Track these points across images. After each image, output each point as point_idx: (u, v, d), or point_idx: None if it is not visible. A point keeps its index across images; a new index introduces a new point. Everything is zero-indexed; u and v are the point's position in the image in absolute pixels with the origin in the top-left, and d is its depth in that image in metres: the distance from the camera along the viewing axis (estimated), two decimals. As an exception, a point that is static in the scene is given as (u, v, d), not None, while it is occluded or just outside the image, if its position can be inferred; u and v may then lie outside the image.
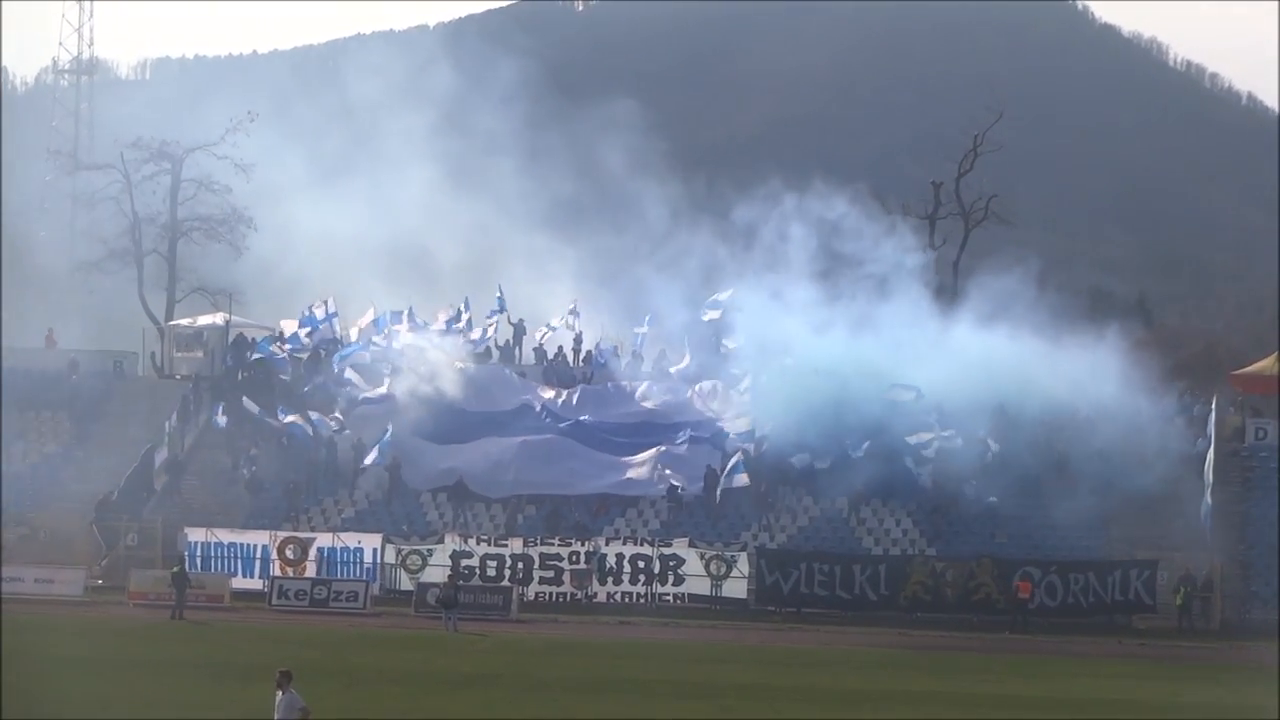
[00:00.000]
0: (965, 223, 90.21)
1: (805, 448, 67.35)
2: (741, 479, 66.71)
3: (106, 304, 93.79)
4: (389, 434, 68.71)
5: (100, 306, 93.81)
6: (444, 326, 76.37)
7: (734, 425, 69.41)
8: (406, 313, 77.28)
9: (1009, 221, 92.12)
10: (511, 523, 66.85)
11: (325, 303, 77.73)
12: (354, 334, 76.72)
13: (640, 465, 69.01)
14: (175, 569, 59.53)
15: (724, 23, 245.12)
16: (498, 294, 77.86)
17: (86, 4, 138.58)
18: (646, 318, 76.35)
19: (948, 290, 79.91)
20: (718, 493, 67.07)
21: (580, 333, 77.62)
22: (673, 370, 74.53)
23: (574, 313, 77.59)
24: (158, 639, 51.60)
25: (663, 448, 69.33)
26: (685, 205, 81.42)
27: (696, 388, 72.65)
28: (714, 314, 74.12)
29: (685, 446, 69.25)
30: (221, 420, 71.37)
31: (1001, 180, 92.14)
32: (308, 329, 76.64)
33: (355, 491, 69.23)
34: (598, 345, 76.69)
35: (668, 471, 68.01)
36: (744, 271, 73.39)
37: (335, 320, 77.34)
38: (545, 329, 77.63)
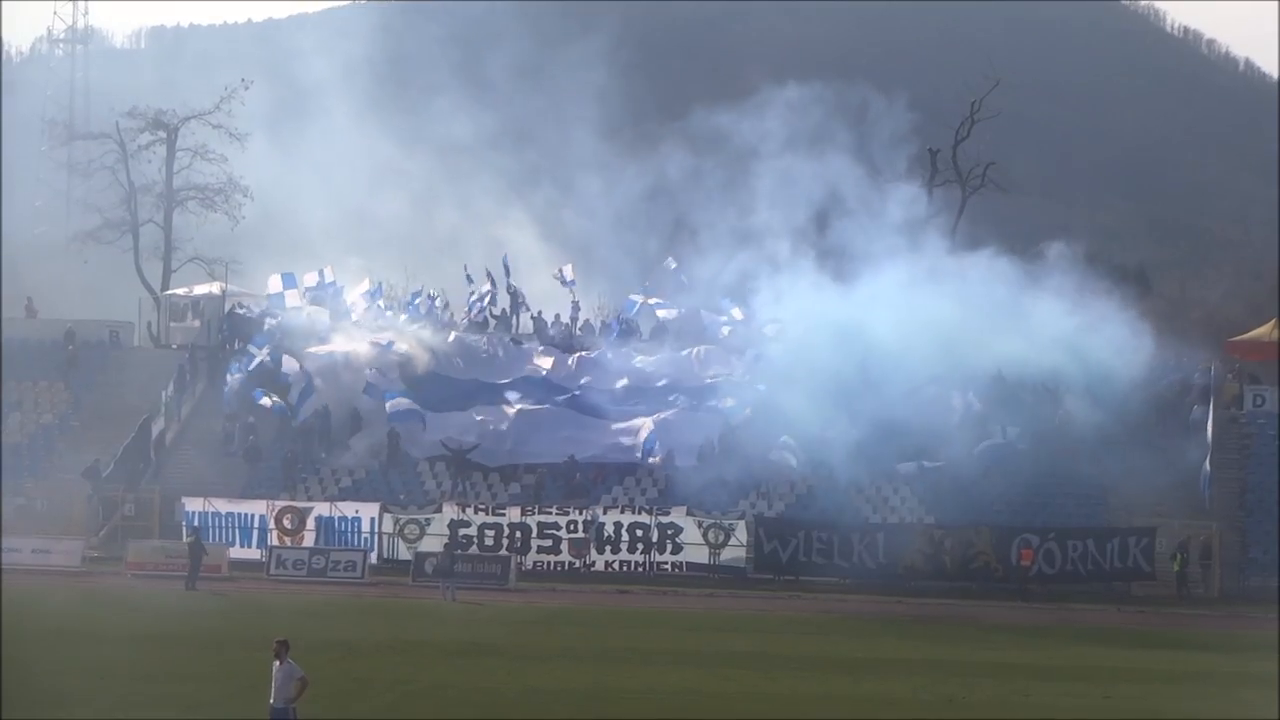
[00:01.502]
0: (962, 190, 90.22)
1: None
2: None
3: (102, 274, 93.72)
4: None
5: (96, 276, 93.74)
6: (436, 297, 76.59)
7: (730, 395, 69.22)
8: (394, 283, 77.58)
9: (1006, 189, 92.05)
10: (538, 489, 66.68)
11: (321, 272, 77.44)
12: (353, 302, 76.61)
13: (637, 433, 68.86)
14: (190, 539, 59.62)
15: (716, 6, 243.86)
16: (504, 268, 77.74)
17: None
18: (645, 283, 76.30)
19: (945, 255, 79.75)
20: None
21: (577, 301, 77.57)
22: (661, 315, 74.77)
23: (571, 282, 77.56)
24: (155, 609, 51.50)
25: (660, 415, 69.15)
26: (680, 172, 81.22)
27: (694, 352, 72.62)
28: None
29: (681, 414, 69.04)
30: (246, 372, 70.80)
31: (998, 147, 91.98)
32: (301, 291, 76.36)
33: (350, 456, 69.22)
34: (594, 315, 76.80)
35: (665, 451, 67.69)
36: (738, 237, 73.29)
37: (333, 289, 77.14)
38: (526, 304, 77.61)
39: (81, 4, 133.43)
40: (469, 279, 77.97)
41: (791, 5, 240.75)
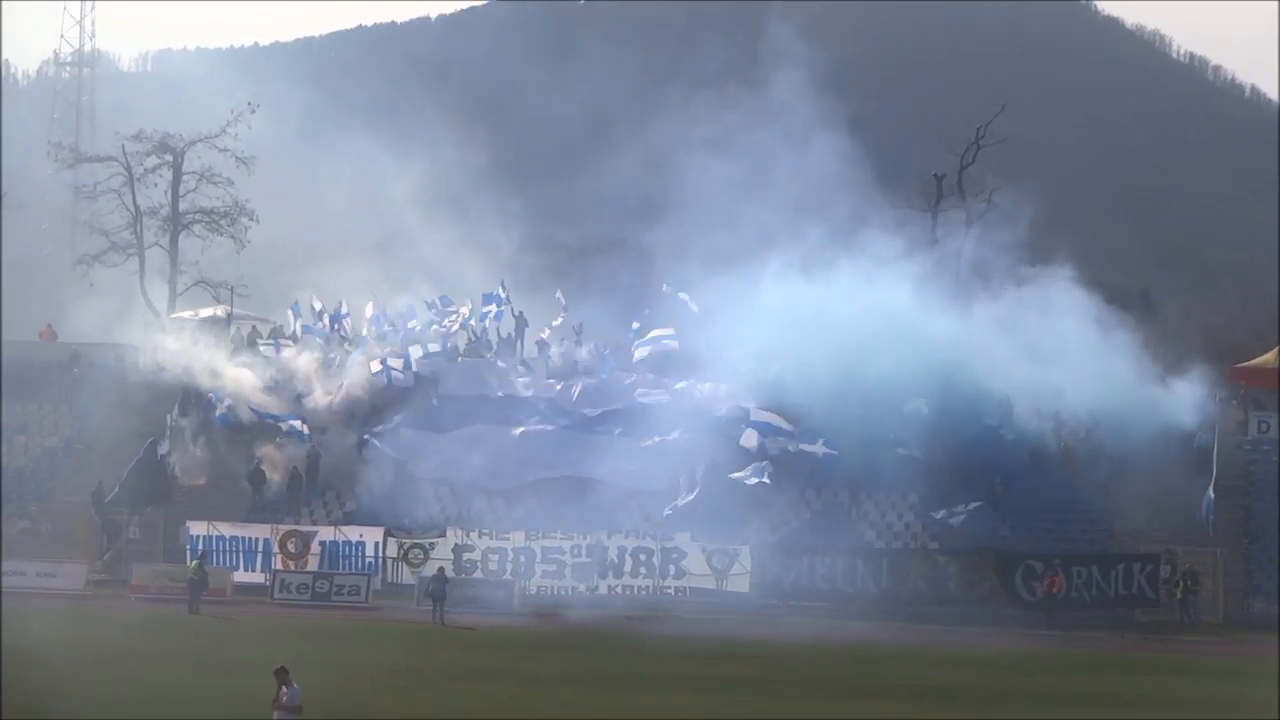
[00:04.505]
0: (967, 215, 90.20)
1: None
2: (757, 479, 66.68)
3: (108, 297, 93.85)
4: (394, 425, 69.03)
5: (101, 299, 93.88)
6: (441, 316, 76.58)
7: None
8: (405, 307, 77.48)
9: (1011, 214, 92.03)
10: (542, 513, 66.58)
11: (340, 303, 77.42)
12: (364, 329, 76.60)
13: (641, 458, 68.74)
14: (194, 563, 59.58)
15: (725, 16, 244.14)
16: (501, 292, 77.64)
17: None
18: (645, 311, 76.19)
19: (950, 282, 79.85)
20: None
21: (581, 325, 77.46)
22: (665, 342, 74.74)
23: (564, 309, 77.43)
24: (158, 632, 51.59)
25: (666, 437, 69.02)
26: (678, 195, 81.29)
27: (696, 385, 72.49)
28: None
29: (684, 438, 68.91)
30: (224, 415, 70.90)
31: (1004, 172, 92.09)
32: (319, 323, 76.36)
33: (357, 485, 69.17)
34: (595, 344, 76.79)
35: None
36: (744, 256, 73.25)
37: (346, 319, 77.12)
38: (547, 331, 77.48)
39: (88, 26, 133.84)
40: (454, 300, 77.71)
41: (796, 29, 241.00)
